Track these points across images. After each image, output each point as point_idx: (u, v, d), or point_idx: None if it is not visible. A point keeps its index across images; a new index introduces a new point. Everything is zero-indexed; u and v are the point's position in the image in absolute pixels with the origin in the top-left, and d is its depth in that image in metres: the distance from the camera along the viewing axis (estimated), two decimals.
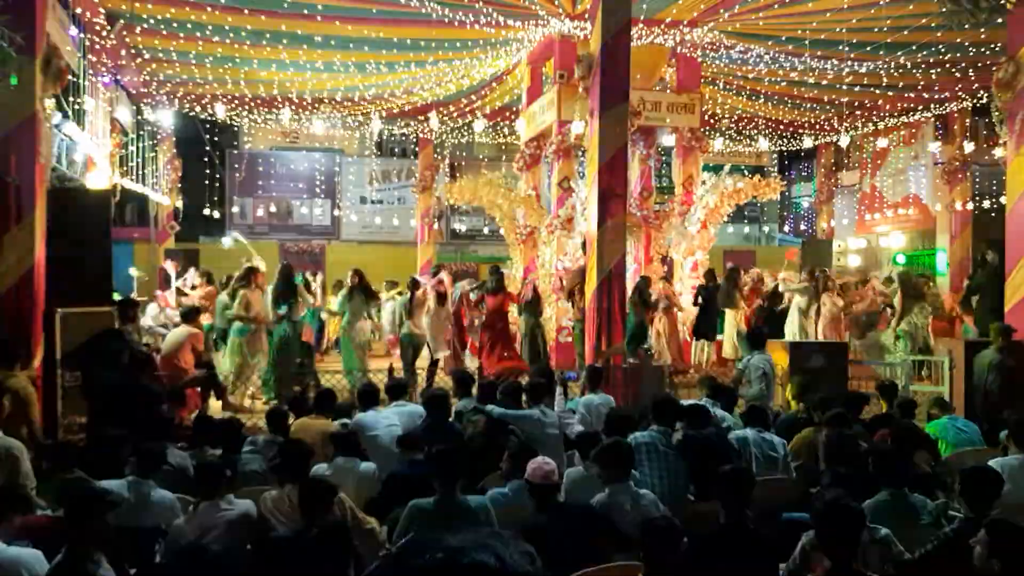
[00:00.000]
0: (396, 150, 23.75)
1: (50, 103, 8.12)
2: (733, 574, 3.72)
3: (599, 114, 8.87)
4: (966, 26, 9.81)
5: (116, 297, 9.11)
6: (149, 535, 4.20)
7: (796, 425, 6.56)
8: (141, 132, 15.31)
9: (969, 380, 8.56)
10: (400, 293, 13.24)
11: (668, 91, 13.46)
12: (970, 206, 16.60)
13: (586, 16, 10.96)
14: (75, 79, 10.50)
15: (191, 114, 16.29)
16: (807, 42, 11.87)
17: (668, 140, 13.96)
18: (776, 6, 10.81)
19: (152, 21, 11.26)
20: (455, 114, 16.92)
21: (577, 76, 9.83)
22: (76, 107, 10.55)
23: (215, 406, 9.46)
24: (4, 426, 5.30)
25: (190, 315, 9.67)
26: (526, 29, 12.07)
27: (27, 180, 7.46)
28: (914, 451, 5.52)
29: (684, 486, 5.38)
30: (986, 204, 16.12)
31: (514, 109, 16.03)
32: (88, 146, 11.50)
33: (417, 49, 12.78)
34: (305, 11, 10.87)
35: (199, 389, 9.19)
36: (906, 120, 16.78)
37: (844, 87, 14.19)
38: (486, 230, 23.82)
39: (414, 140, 19.86)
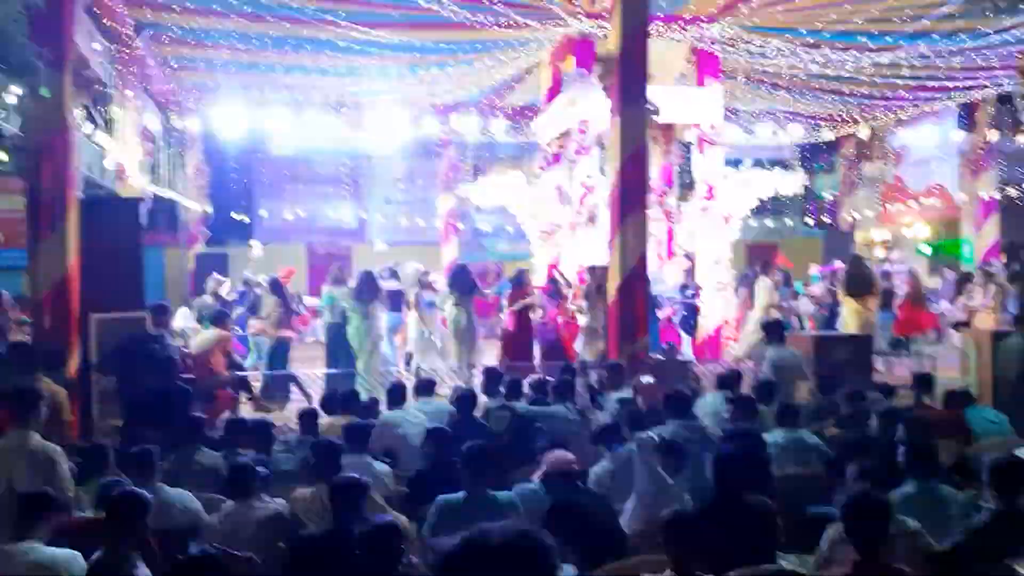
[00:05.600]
0: (419, 151, 23.81)
1: (80, 113, 8.30)
2: (727, 544, 3.79)
3: (619, 112, 8.90)
4: (988, 13, 9.76)
5: None
6: (168, 538, 4.22)
7: (817, 418, 6.59)
8: (170, 139, 15.54)
9: (996, 371, 8.52)
10: None
11: (688, 87, 13.44)
12: (995, 195, 16.39)
13: (605, 14, 10.99)
14: (104, 89, 10.71)
15: (218, 120, 16.49)
16: (826, 34, 11.82)
17: (689, 135, 13.93)
18: None
19: (178, 30, 11.44)
20: (477, 114, 17.00)
21: (596, 74, 9.86)
22: (106, 116, 10.76)
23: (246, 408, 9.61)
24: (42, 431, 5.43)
25: (220, 318, 9.81)
26: (545, 29, 12.11)
27: (59, 189, 7.63)
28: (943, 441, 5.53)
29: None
30: (1012, 193, 15.92)
31: (535, 108, 16.07)
32: (118, 154, 11.72)
33: (438, 51, 12.88)
34: (328, 17, 10.99)
35: (230, 390, 9.34)
36: (928, 110, 16.62)
37: (864, 78, 14.08)
38: (509, 228, 23.84)
39: (437, 141, 19.96)
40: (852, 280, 11.26)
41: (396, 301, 12.10)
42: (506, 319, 11.22)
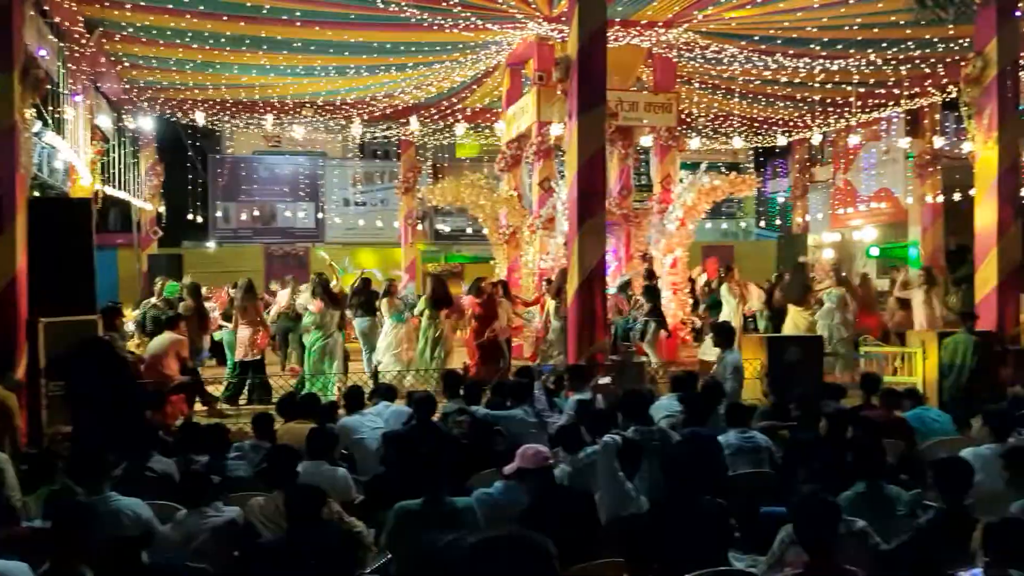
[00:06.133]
0: (378, 152, 23.76)
1: (30, 113, 8.13)
2: (681, 546, 3.86)
3: (577, 116, 8.96)
4: (934, 22, 10.02)
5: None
6: (119, 547, 4.17)
7: (767, 417, 6.69)
8: (123, 138, 15.28)
9: (940, 370, 8.74)
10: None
11: (645, 91, 13.58)
12: (941, 199, 16.82)
13: (563, 19, 11.06)
14: (54, 88, 10.49)
15: (172, 120, 16.27)
16: (779, 41, 12.04)
17: (646, 139, 14.10)
18: (748, 6, 10.96)
19: (131, 28, 11.26)
20: (436, 116, 17.01)
21: (555, 78, 9.91)
22: (56, 116, 10.55)
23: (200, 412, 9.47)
24: None
25: (173, 322, 9.67)
26: (504, 32, 12.16)
27: (8, 190, 7.49)
28: (890, 441, 5.66)
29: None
30: (956, 197, 16.35)
31: (495, 111, 16.12)
32: (69, 154, 11.48)
33: (397, 53, 12.85)
34: (284, 16, 10.90)
35: (184, 395, 9.21)
36: (877, 116, 17.00)
37: (816, 84, 14.37)
38: (469, 230, 23.87)
39: (396, 142, 19.91)
40: (791, 287, 11.59)
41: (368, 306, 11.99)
42: (468, 329, 11.17)
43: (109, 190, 13.99)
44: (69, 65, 11.06)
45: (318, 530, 3.89)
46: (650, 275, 12.21)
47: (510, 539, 1.51)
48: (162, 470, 5.44)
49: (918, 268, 15.78)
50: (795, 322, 11.18)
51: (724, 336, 8.47)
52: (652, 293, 11.77)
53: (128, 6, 10.38)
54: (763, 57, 12.91)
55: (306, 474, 5.14)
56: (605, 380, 7.81)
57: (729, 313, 12.12)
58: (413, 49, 12.80)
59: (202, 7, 10.51)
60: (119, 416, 6.32)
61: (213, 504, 4.50)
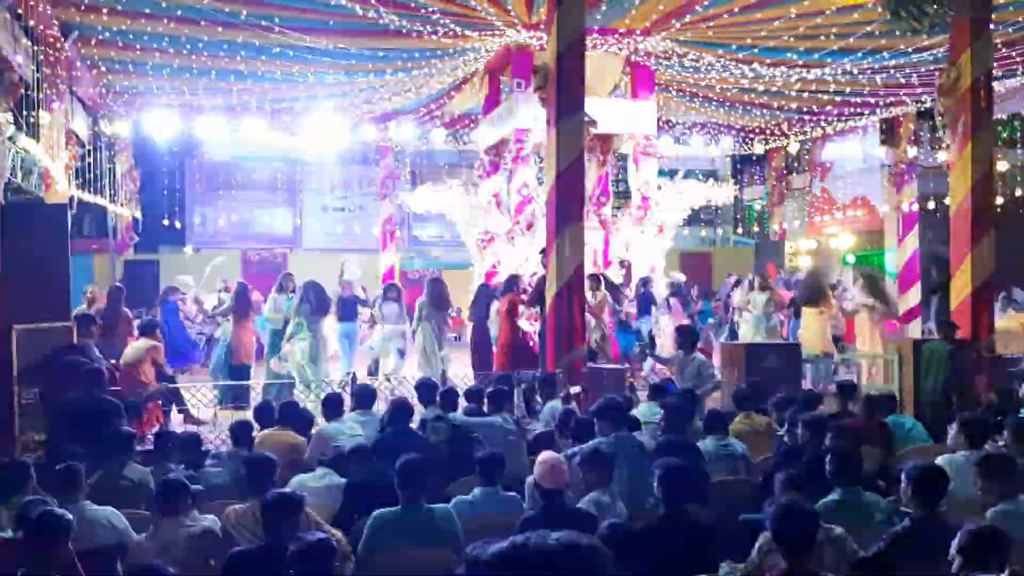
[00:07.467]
0: (357, 158, 23.68)
1: (4, 117, 8.03)
2: (671, 558, 3.86)
3: (555, 123, 8.98)
4: (908, 33, 10.15)
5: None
6: (94, 557, 4.09)
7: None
8: (98, 143, 15.13)
9: (917, 378, 8.82)
10: None
11: (623, 98, 13.65)
12: (916, 207, 17.02)
13: (541, 26, 11.10)
14: (29, 92, 10.38)
15: (149, 124, 16.14)
16: (756, 50, 12.15)
17: (624, 147, 14.17)
18: (726, 16, 11.05)
19: (107, 33, 11.16)
20: (415, 122, 17.01)
21: (534, 85, 9.94)
22: (31, 120, 10.44)
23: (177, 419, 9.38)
24: None
25: (149, 328, 9.57)
26: (483, 39, 12.18)
27: None
28: (868, 448, 5.72)
29: (647, 490, 5.48)
30: (931, 205, 16.57)
31: (473, 117, 16.13)
32: (44, 159, 11.35)
33: (375, 59, 12.84)
34: (263, 23, 10.85)
35: (160, 403, 9.11)
36: (853, 124, 17.19)
37: (793, 93, 14.51)
38: (447, 236, 23.84)
39: (374, 148, 19.88)
40: (806, 291, 11.73)
41: (350, 310, 11.90)
42: (499, 326, 10.91)
43: (85, 195, 13.84)
44: (44, 69, 10.94)
45: (294, 539, 3.87)
46: (645, 282, 12.24)
47: (576, 546, 1.53)
48: (138, 479, 5.40)
49: (894, 275, 16.01)
50: (809, 325, 11.28)
51: (687, 338, 8.50)
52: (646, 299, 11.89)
53: (104, 11, 10.29)
54: (740, 66, 13.02)
55: (313, 478, 5.15)
56: (576, 389, 7.85)
57: (754, 320, 12.18)
58: (392, 56, 12.79)
59: (179, 12, 10.43)
60: (94, 424, 6.25)
61: (189, 513, 4.46)
